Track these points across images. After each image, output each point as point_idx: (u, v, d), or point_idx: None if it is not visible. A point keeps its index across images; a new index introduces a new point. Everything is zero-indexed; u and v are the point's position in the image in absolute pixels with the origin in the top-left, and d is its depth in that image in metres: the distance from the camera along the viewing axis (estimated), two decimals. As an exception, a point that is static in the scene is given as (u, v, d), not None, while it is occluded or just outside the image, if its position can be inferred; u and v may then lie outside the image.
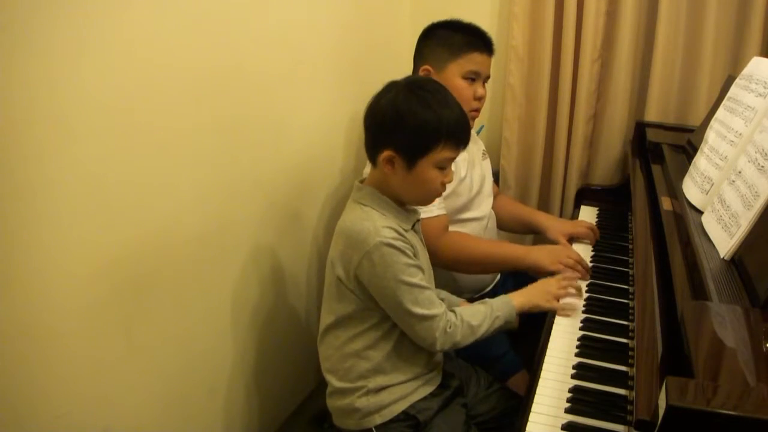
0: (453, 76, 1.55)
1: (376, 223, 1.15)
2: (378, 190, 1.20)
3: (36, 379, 0.94)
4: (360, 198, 1.21)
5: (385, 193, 1.20)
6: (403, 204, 1.23)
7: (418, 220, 1.27)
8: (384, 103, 1.17)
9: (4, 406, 0.90)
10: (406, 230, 1.19)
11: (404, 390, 1.22)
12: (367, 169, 1.16)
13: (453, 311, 1.21)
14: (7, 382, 0.90)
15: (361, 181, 1.25)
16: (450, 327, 1.18)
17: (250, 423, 1.52)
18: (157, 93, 1.11)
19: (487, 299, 1.27)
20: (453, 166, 1.54)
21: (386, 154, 1.16)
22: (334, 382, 1.25)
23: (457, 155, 1.20)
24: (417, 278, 1.16)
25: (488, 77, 1.61)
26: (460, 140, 1.18)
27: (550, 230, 1.68)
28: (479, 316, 1.21)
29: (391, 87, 1.19)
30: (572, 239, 1.66)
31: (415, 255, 1.18)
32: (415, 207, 1.27)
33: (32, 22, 0.86)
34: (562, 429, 0.99)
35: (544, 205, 2.21)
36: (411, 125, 1.14)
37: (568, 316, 1.28)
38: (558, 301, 1.30)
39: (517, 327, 1.25)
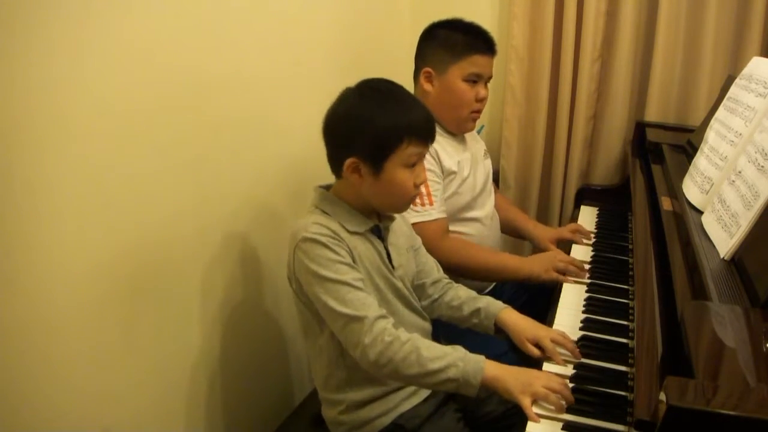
0: (454, 78, 1.54)
1: (308, 221, 1.12)
2: (338, 196, 1.16)
3: (36, 378, 0.94)
4: (312, 200, 1.19)
5: (348, 199, 1.16)
6: (371, 210, 1.18)
7: (386, 227, 1.21)
8: (339, 112, 1.14)
9: (3, 406, 0.90)
10: (354, 232, 1.14)
11: (387, 404, 1.18)
12: None
13: (408, 333, 1.07)
14: (7, 380, 0.90)
15: (327, 188, 1.20)
16: (389, 336, 1.04)
17: (250, 422, 1.52)
18: (157, 93, 1.11)
19: (460, 347, 1.10)
20: (456, 166, 1.55)
21: (350, 161, 1.11)
22: (319, 390, 1.24)
23: (426, 150, 1.15)
24: (344, 276, 1.08)
25: (490, 77, 1.61)
26: (425, 135, 1.14)
27: (537, 239, 1.75)
28: (436, 351, 1.06)
29: (344, 94, 1.16)
30: (567, 243, 1.68)
31: (353, 259, 1.11)
32: (392, 214, 1.22)
33: (33, 23, 0.86)
34: (562, 429, 0.99)
35: (544, 205, 2.22)
36: (369, 130, 1.10)
37: (536, 421, 1.00)
38: (532, 397, 1.03)
39: (473, 396, 1.05)
